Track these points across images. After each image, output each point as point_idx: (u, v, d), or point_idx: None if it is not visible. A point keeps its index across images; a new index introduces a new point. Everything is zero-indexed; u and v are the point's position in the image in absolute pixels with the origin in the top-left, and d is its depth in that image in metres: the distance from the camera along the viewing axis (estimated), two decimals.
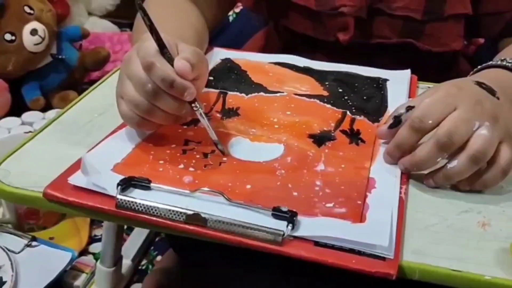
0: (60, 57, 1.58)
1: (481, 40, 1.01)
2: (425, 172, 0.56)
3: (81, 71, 1.67)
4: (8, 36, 1.49)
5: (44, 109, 1.55)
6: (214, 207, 0.49)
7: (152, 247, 1.22)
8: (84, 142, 0.61)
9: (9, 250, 1.01)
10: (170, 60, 0.55)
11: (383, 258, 0.45)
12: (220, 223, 0.47)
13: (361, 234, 0.46)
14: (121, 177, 0.52)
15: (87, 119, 0.66)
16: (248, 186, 0.53)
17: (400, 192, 0.53)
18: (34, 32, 1.50)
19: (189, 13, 0.81)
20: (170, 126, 0.62)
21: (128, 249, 1.14)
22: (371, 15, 0.80)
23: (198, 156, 0.58)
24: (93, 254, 1.14)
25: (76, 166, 0.55)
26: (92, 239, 1.18)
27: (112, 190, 0.51)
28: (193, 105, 0.57)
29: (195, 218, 0.48)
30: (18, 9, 1.51)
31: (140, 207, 0.49)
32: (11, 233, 1.07)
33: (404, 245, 0.48)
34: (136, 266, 1.15)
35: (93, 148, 0.58)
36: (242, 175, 0.55)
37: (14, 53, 1.51)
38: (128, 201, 0.50)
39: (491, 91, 0.57)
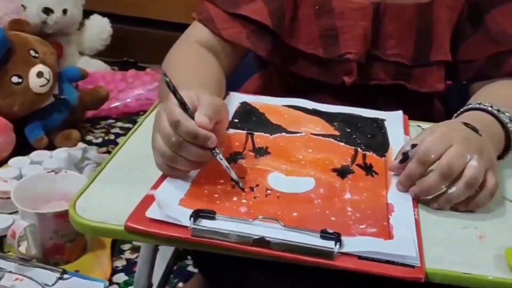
0: (62, 97, 1.65)
1: (449, 82, 1.16)
2: (430, 197, 0.69)
3: (80, 110, 1.75)
4: (15, 79, 1.57)
5: (47, 148, 1.60)
6: (273, 232, 0.60)
7: (171, 275, 1.27)
8: (142, 178, 0.70)
9: (43, 283, 1.06)
10: (192, 115, 0.66)
11: (412, 266, 0.58)
12: (281, 244, 0.59)
13: (393, 248, 0.59)
14: (188, 210, 0.62)
15: (139, 159, 0.75)
16: (295, 214, 0.65)
17: (414, 214, 0.66)
18: (40, 74, 1.58)
19: (210, 62, 0.92)
20: (214, 164, 0.71)
21: (153, 278, 1.19)
22: (369, 60, 0.94)
23: (246, 190, 0.69)
24: (118, 284, 1.20)
25: (145, 201, 0.65)
26: (114, 270, 1.23)
27: (185, 221, 0.61)
28: (213, 151, 0.67)
29: (261, 241, 0.59)
30: (24, 53, 1.59)
31: (213, 234, 0.60)
32: (41, 267, 1.11)
33: (424, 256, 0.60)
34: None
35: (156, 185, 0.68)
36: (286, 204, 0.67)
37: (21, 95, 1.58)
38: (201, 229, 0.60)
39: (475, 130, 0.72)
